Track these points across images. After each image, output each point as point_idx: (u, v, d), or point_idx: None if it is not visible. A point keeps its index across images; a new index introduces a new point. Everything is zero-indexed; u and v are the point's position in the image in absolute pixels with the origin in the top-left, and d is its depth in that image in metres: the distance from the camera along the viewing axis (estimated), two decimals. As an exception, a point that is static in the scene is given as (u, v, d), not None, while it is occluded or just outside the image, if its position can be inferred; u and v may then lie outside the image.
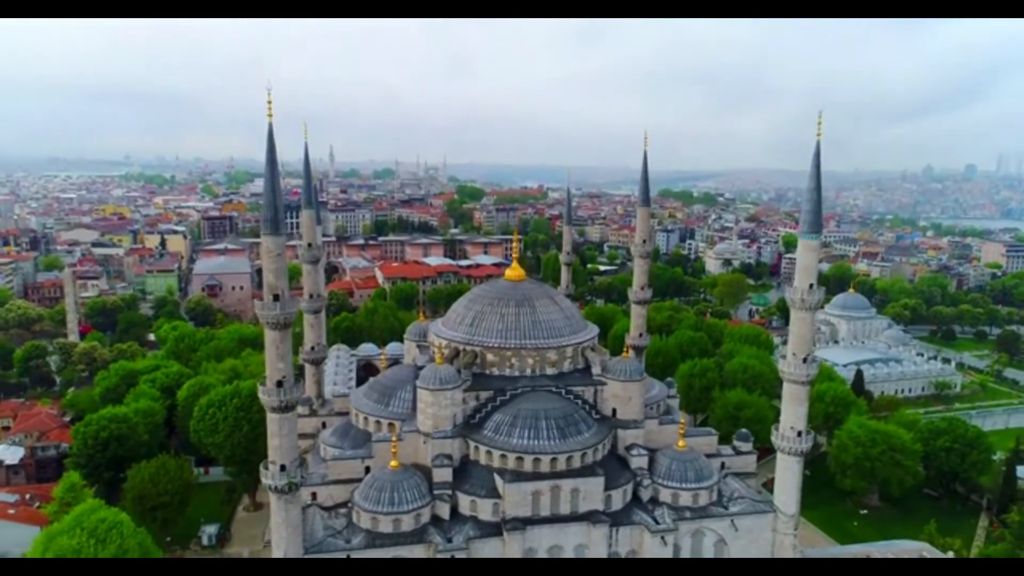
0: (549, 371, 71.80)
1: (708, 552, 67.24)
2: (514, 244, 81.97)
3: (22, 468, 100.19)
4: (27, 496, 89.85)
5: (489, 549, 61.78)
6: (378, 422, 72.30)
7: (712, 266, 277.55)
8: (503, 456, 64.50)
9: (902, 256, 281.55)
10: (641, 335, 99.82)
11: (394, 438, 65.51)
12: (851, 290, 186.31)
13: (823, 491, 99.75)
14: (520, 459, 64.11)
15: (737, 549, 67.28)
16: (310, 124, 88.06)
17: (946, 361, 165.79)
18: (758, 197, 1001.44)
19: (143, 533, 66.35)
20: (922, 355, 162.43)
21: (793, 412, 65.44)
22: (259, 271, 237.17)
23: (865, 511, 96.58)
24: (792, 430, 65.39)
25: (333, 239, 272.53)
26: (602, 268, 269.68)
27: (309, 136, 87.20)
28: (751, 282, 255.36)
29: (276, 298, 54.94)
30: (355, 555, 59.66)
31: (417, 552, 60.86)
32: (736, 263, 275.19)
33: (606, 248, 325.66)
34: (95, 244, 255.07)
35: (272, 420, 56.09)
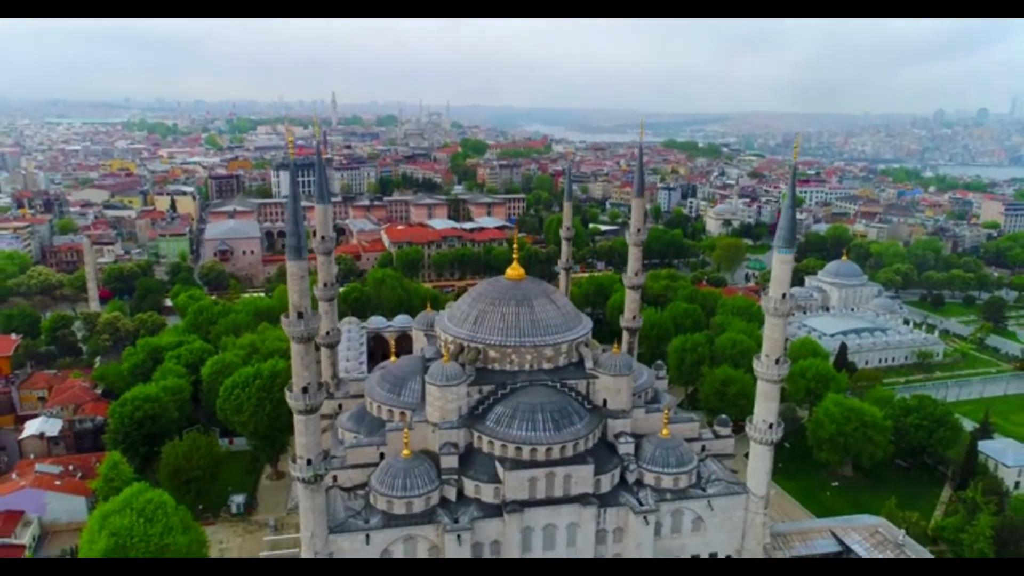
0: (546, 366, 78.59)
1: (687, 528, 75.31)
2: (514, 245, 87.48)
3: (62, 439, 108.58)
4: (70, 467, 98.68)
5: (491, 528, 69.86)
6: (390, 410, 79.69)
7: (712, 226, 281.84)
8: (503, 446, 71.88)
9: (900, 216, 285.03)
10: (634, 317, 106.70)
11: (406, 430, 72.80)
12: (844, 257, 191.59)
13: (801, 462, 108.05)
14: (519, 449, 71.48)
15: (713, 526, 75.37)
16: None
17: (931, 328, 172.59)
18: (765, 143, 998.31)
19: (184, 511, 74.57)
20: (908, 323, 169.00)
21: (765, 407, 72.30)
22: (268, 234, 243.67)
23: (836, 483, 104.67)
24: (764, 422, 72.40)
25: (339, 199, 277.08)
26: (603, 228, 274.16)
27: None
28: (750, 243, 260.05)
29: (300, 315, 61.28)
30: (373, 534, 67.72)
31: (428, 531, 68.93)
32: (736, 223, 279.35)
33: (608, 206, 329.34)
34: (107, 206, 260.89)
35: (299, 420, 63.27)
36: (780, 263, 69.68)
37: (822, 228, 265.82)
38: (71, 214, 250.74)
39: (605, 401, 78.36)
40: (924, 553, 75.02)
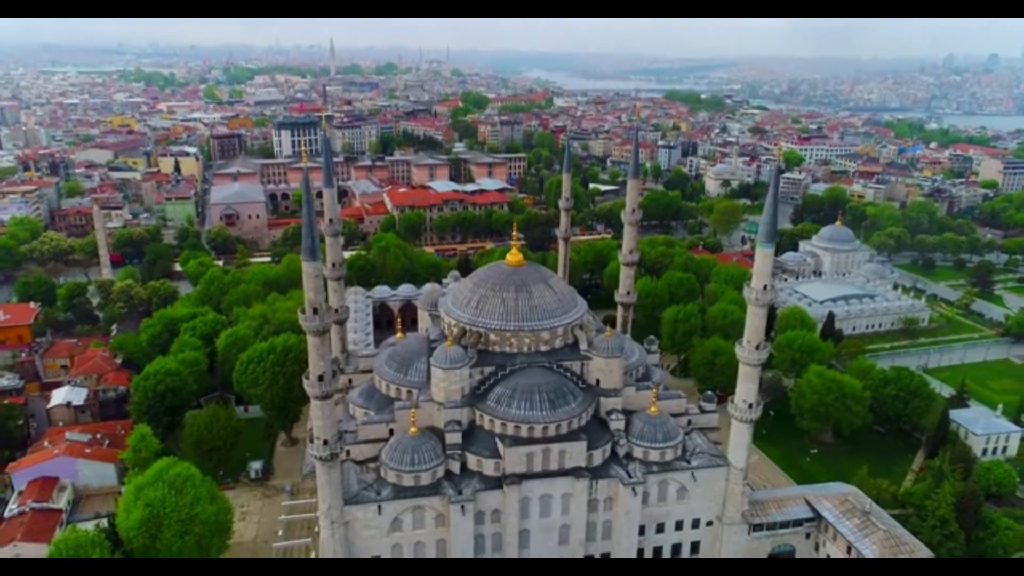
0: (543, 348, 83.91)
1: (672, 497, 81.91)
2: (514, 236, 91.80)
3: (87, 408, 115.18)
4: (97, 435, 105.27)
5: (492, 499, 76.46)
6: (398, 388, 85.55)
7: (711, 186, 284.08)
8: (503, 424, 77.82)
9: (899, 175, 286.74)
10: (629, 293, 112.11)
11: (413, 409, 78.70)
12: (838, 223, 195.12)
13: (784, 428, 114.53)
14: (518, 427, 77.42)
15: (696, 495, 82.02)
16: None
17: (919, 293, 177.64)
18: (770, 91, 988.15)
19: (210, 481, 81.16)
20: (897, 288, 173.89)
21: (746, 388, 77.94)
22: (272, 196, 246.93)
23: (816, 450, 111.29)
24: (744, 402, 78.15)
25: (341, 159, 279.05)
26: (603, 189, 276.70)
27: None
28: (748, 203, 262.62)
29: (315, 311, 66.33)
30: (384, 505, 74.36)
31: (434, 502, 75.51)
32: (735, 184, 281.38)
33: (609, 164, 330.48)
34: (111, 168, 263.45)
35: (315, 406, 69.04)
36: (762, 256, 74.15)
37: (820, 188, 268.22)
38: (77, 176, 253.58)
39: (598, 380, 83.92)
40: (889, 520, 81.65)
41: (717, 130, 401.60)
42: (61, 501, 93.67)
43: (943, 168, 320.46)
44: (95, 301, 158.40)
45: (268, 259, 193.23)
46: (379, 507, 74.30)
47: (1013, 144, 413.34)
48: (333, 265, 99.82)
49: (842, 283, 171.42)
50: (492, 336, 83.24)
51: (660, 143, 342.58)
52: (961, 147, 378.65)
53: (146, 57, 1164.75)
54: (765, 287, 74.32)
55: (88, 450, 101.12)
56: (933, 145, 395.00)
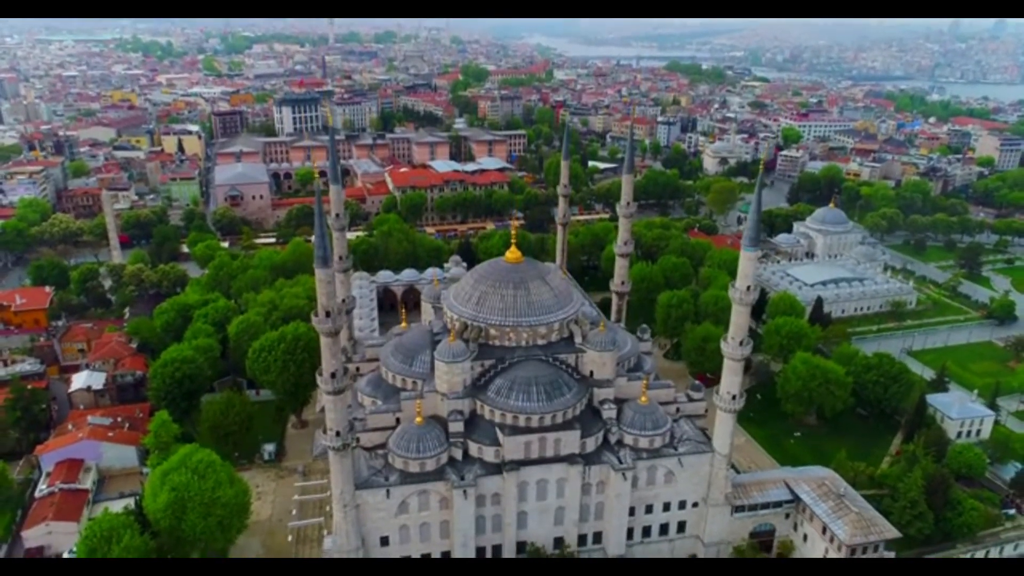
0: (540, 342, 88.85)
1: (660, 481, 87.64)
2: (513, 232, 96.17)
3: (106, 392, 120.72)
4: (118, 419, 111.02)
5: (492, 484, 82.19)
6: (404, 379, 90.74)
7: (709, 164, 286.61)
8: (503, 414, 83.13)
9: (895, 153, 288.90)
10: (623, 283, 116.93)
11: (418, 400, 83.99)
12: (832, 204, 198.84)
13: (770, 411, 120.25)
14: (516, 417, 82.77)
15: (683, 479, 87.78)
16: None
17: (909, 274, 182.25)
18: (772, 58, 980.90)
19: (228, 466, 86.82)
20: (887, 270, 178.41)
21: (730, 380, 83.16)
22: (275, 176, 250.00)
23: (799, 433, 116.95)
24: (728, 394, 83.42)
25: (342, 137, 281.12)
26: (602, 167, 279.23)
27: None
28: (745, 181, 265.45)
29: (328, 314, 71.15)
30: (392, 490, 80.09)
31: (438, 487, 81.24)
32: (733, 162, 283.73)
33: (609, 140, 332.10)
34: (115, 147, 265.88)
35: (328, 400, 74.27)
36: (746, 260, 78.61)
37: (817, 167, 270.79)
38: (81, 155, 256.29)
39: (592, 372, 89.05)
40: (862, 502, 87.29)
41: (717, 105, 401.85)
42: (87, 482, 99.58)
43: (940, 144, 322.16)
44: (107, 284, 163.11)
45: (273, 240, 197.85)
46: (387, 491, 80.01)
47: (1014, 117, 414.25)
48: (339, 258, 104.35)
49: (833, 266, 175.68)
50: (492, 331, 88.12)
51: (660, 119, 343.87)
52: (961, 121, 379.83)
53: (142, 23, 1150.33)
54: (748, 288, 78.95)
55: (110, 433, 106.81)
56: (932, 120, 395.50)
